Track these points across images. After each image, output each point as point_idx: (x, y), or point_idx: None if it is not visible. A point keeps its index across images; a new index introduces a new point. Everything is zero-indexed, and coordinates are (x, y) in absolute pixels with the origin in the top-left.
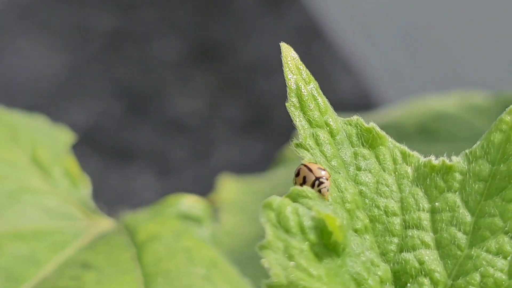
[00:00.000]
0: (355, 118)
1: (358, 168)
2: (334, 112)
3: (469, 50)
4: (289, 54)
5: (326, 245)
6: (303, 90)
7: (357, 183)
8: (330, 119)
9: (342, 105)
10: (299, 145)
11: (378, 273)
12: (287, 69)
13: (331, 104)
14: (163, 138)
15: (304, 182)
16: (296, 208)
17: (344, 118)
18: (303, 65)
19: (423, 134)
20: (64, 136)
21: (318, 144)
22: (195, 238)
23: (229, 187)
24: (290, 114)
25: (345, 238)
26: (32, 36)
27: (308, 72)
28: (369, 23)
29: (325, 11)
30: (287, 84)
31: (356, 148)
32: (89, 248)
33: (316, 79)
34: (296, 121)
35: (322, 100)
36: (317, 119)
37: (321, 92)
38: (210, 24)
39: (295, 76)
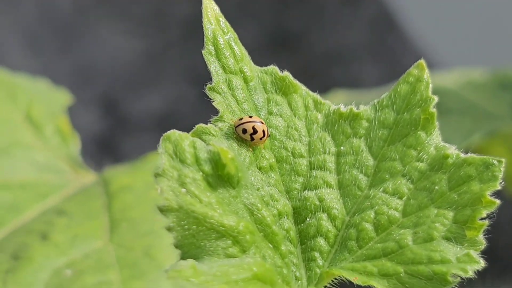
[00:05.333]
0: (271, 67)
1: (270, 113)
2: (251, 61)
3: None
4: (210, 6)
5: (220, 176)
6: (219, 39)
7: (268, 126)
8: (245, 67)
9: None
10: (211, 89)
11: (277, 206)
12: (206, 19)
13: None
14: None
15: (264, 135)
16: (193, 142)
17: (261, 68)
18: (223, 16)
19: None
20: (62, 98)
21: (230, 88)
22: None
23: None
24: (206, 60)
25: (239, 170)
26: (110, 22)
27: (227, 23)
28: (443, 15)
29: (401, 3)
30: (204, 33)
31: (269, 94)
32: (69, 198)
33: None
34: (210, 66)
35: (239, 49)
36: (232, 66)
37: (239, 42)
38: (287, 12)
39: (213, 26)
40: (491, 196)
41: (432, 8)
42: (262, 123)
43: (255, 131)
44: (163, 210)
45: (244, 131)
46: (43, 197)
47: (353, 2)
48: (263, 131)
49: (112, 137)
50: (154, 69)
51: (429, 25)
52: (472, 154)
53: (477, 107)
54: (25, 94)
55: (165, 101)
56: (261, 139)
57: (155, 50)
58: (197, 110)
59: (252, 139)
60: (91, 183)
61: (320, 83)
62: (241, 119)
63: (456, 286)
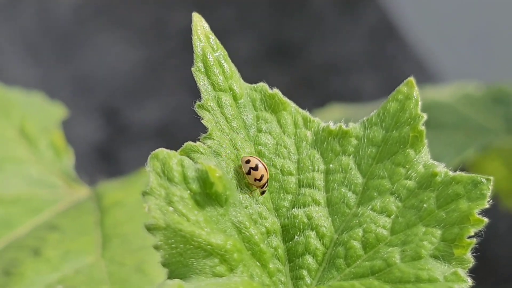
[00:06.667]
0: (260, 84)
1: (259, 130)
2: (240, 78)
3: None
4: (199, 24)
5: (208, 194)
6: (209, 56)
7: (257, 144)
8: (235, 84)
9: None
10: (201, 106)
11: (266, 224)
12: (196, 36)
13: None
14: None
15: (260, 179)
16: (181, 160)
17: (251, 85)
18: (213, 34)
19: None
20: (56, 112)
21: (220, 106)
22: None
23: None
24: (195, 78)
25: (227, 189)
26: (109, 32)
27: (217, 40)
28: (443, 24)
29: (400, 12)
30: (194, 51)
31: (259, 112)
32: (62, 213)
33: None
34: (200, 84)
35: (229, 67)
36: (221, 84)
37: (228, 60)
38: (285, 22)
39: (202, 44)
40: (479, 214)
41: (433, 17)
42: (266, 170)
43: (256, 168)
44: (150, 229)
45: (248, 161)
46: (36, 212)
47: (352, 12)
48: (262, 176)
49: (112, 146)
50: (154, 79)
51: (429, 35)
52: (460, 172)
53: (471, 121)
54: (18, 109)
55: (165, 110)
56: (255, 180)
57: (155, 60)
58: (196, 119)
59: (249, 172)
60: (84, 198)
61: (320, 93)
62: (250, 156)
63: None
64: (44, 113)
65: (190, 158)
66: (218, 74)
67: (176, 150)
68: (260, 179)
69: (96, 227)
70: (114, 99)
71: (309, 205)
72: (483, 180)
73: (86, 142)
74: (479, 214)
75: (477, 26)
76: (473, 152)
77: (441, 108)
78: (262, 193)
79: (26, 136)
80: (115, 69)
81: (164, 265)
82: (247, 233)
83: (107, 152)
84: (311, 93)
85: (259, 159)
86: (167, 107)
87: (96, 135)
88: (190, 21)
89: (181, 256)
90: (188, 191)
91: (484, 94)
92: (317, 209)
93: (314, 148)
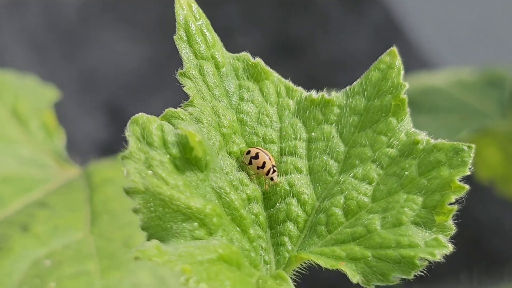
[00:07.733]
0: (243, 53)
1: (241, 99)
2: (223, 47)
3: None
4: None
5: (188, 159)
6: (191, 25)
7: (239, 112)
8: (217, 53)
9: None
10: (182, 74)
11: (247, 191)
12: (178, 5)
13: None
14: None
15: (262, 166)
16: (161, 125)
17: (234, 54)
18: (196, 3)
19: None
20: (49, 94)
21: (201, 74)
22: None
23: None
24: (177, 46)
25: (207, 154)
26: (115, 29)
27: (200, 10)
28: (448, 23)
29: (405, 10)
30: (176, 19)
31: (241, 81)
32: (53, 191)
33: None
34: (182, 52)
35: (211, 36)
36: (203, 52)
37: (211, 28)
38: (291, 20)
39: (185, 12)
40: (460, 181)
41: (437, 15)
42: (270, 158)
43: (256, 157)
44: (129, 192)
45: (248, 152)
46: (27, 191)
47: (357, 9)
48: (264, 163)
49: (117, 143)
50: (159, 76)
51: (434, 32)
52: (442, 140)
53: (466, 105)
54: (11, 90)
55: (170, 107)
56: (258, 168)
57: (159, 57)
58: None
59: (250, 162)
60: (75, 177)
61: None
62: (252, 148)
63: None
64: (37, 95)
65: (171, 124)
66: (200, 42)
67: None
68: (263, 167)
69: (86, 203)
70: (118, 96)
71: (291, 173)
72: (465, 147)
73: (90, 140)
74: (460, 181)
75: (482, 25)
76: (467, 134)
77: (436, 93)
78: (271, 179)
79: (18, 117)
80: (119, 67)
81: (143, 228)
82: (227, 199)
83: (112, 149)
84: (317, 90)
85: (261, 149)
86: (172, 105)
87: (100, 132)
88: None
89: (160, 219)
90: (168, 156)
91: (478, 78)
92: (299, 176)
93: (297, 117)
